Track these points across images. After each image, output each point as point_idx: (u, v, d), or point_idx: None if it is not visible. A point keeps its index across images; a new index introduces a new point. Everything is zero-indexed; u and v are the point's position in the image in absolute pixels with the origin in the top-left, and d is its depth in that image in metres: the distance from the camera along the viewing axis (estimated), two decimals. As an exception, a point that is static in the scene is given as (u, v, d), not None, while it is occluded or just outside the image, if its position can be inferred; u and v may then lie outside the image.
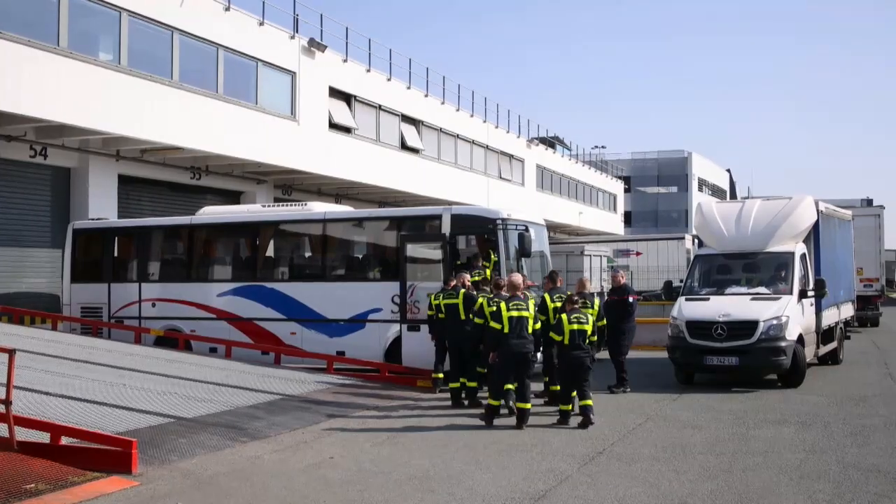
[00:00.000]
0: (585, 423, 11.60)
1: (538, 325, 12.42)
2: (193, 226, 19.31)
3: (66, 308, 19.71)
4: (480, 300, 12.94)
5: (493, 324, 12.01)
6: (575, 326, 12.01)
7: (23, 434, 9.03)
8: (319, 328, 17.04)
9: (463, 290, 13.80)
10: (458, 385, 13.64)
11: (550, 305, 13.30)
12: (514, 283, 12.45)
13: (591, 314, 12.97)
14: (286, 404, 12.99)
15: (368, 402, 13.62)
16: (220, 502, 7.95)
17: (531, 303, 12.35)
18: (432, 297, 14.31)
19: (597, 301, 13.77)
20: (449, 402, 13.61)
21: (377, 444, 10.54)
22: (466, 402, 13.50)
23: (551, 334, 12.39)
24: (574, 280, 28.44)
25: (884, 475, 8.77)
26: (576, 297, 12.74)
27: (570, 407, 11.96)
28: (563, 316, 12.19)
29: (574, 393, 12.09)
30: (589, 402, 11.88)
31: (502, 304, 11.99)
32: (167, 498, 8.02)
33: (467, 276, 14.13)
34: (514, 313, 11.91)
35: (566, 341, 12.01)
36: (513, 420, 11.83)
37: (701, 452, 9.94)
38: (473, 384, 13.57)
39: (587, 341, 12.11)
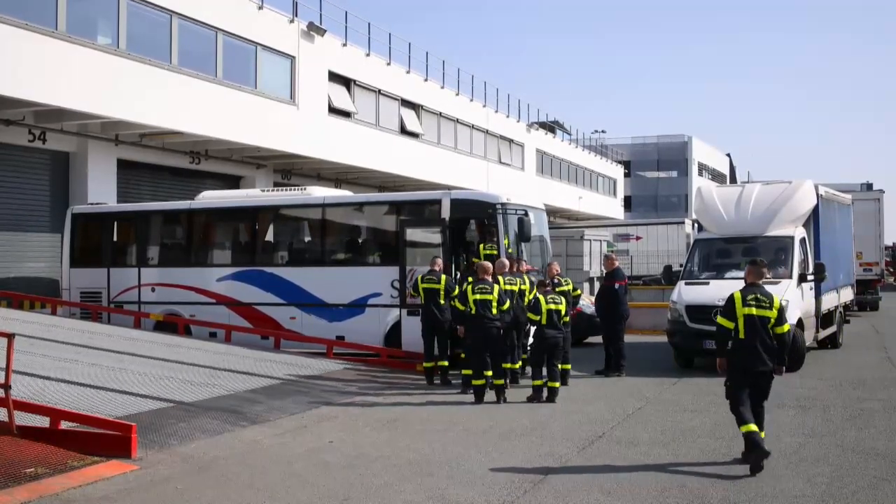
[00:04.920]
0: (551, 398, 12.41)
1: (505, 307, 12.93)
2: (193, 210, 19.28)
3: (66, 293, 19.68)
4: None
5: (458, 305, 13.19)
6: (552, 307, 12.67)
7: (22, 418, 9.04)
8: (319, 313, 17.03)
9: (444, 276, 14.37)
10: (431, 364, 14.17)
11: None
12: (485, 268, 13.12)
13: (568, 289, 14.18)
14: (286, 389, 13.00)
15: (368, 387, 13.64)
16: (220, 487, 7.96)
17: (495, 287, 12.93)
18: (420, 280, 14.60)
19: (569, 279, 14.96)
20: (451, 388, 13.69)
21: (376, 428, 10.56)
22: (438, 381, 14.12)
23: (529, 314, 12.93)
24: (574, 265, 28.75)
25: (883, 458, 8.79)
26: (547, 281, 13.45)
27: (541, 382, 12.49)
28: (541, 297, 12.77)
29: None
30: (556, 384, 12.55)
31: (468, 287, 12.82)
32: (167, 482, 8.04)
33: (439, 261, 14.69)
34: (479, 296, 12.63)
35: (543, 321, 12.61)
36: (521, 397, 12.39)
37: (700, 436, 9.96)
38: (444, 363, 14.26)
39: (562, 321, 12.80)
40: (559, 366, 12.92)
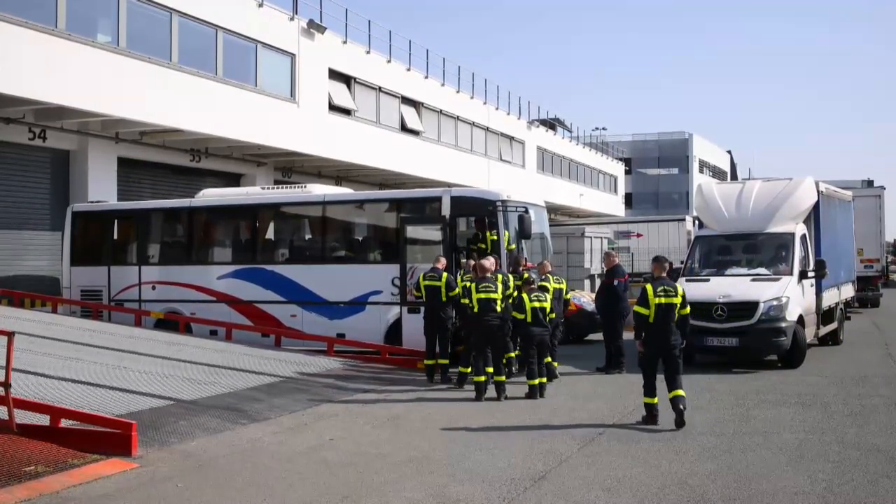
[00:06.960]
0: (541, 394, 12.56)
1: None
2: (193, 208, 19.26)
3: (66, 291, 19.70)
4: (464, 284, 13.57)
5: (464, 300, 13.18)
6: (536, 304, 12.80)
7: (22, 416, 9.04)
8: (320, 310, 17.02)
9: (445, 273, 14.25)
10: (432, 362, 14.14)
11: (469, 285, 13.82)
12: (484, 266, 13.12)
13: (561, 287, 14.37)
14: (286, 386, 13.00)
15: (368, 385, 13.63)
16: (220, 484, 7.95)
17: (499, 284, 13.02)
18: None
19: (562, 278, 15.13)
20: (449, 386, 13.69)
21: (377, 426, 10.55)
22: (439, 379, 14.03)
23: (514, 312, 12.95)
24: (575, 262, 28.70)
25: (883, 455, 8.78)
26: (533, 278, 13.55)
27: (536, 381, 12.57)
28: (525, 295, 12.85)
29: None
30: (543, 380, 12.70)
31: (472, 286, 12.85)
32: (167, 480, 8.03)
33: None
34: (482, 295, 12.69)
35: (528, 319, 12.71)
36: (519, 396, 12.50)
37: (701, 433, 9.94)
38: (445, 361, 14.19)
39: (547, 318, 12.92)
40: (548, 363, 13.18)
